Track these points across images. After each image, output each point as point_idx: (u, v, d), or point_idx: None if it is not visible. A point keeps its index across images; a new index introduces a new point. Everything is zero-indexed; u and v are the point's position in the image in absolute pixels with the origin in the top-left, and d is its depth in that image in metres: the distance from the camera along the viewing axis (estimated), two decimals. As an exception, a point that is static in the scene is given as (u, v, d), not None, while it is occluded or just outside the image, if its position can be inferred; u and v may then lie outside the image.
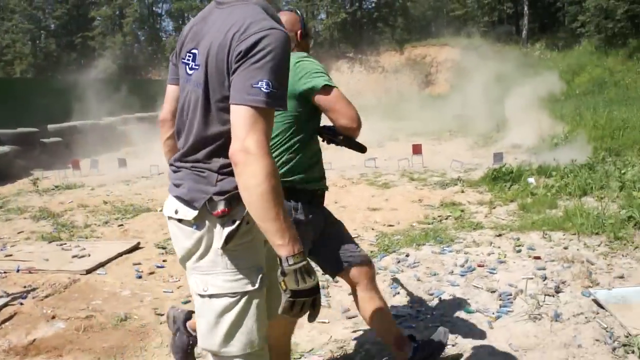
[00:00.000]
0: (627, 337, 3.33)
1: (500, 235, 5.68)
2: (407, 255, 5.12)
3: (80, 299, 4.40)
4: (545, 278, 4.37)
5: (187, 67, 1.94)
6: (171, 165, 2.03)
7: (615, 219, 5.59)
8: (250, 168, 1.64)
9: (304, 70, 2.52)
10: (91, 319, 4.00)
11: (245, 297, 1.88)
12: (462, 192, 8.08)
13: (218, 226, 1.85)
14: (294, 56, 2.50)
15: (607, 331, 3.45)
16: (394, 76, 39.26)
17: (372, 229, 6.27)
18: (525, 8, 37.23)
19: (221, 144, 1.84)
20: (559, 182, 7.64)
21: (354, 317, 3.89)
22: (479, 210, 6.89)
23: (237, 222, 1.84)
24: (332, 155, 12.97)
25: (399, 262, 4.98)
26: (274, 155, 2.30)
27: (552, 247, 5.16)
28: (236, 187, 1.73)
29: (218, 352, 1.92)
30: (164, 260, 5.33)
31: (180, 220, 1.90)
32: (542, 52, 29.00)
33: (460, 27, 37.67)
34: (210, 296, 1.87)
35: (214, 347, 1.92)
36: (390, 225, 6.35)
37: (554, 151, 10.75)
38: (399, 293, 4.29)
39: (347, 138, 2.59)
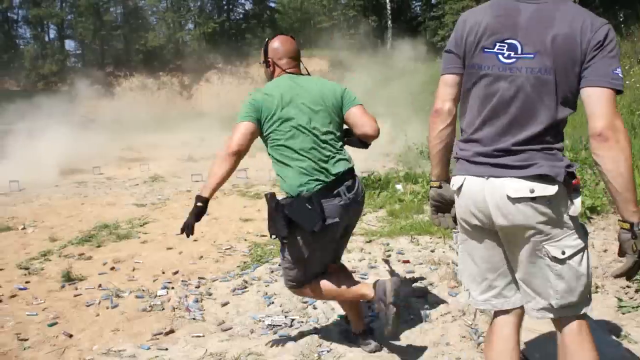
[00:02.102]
0: (490, 332, 3.51)
1: (370, 241, 5.82)
2: (280, 265, 5.11)
3: None
4: (414, 281, 4.51)
5: (499, 55, 2.11)
6: (503, 150, 2.12)
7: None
8: (621, 144, 1.91)
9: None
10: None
11: (586, 249, 2.14)
12: (333, 200, 8.16)
13: (566, 196, 2.07)
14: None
15: (472, 328, 3.62)
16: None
17: (245, 240, 6.23)
18: (389, 22, 38.73)
19: (564, 126, 2.12)
20: (425, 188, 7.93)
21: (229, 329, 3.83)
22: (350, 217, 6.99)
23: (580, 190, 2.12)
24: (203, 168, 12.70)
25: (272, 271, 4.97)
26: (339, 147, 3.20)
27: (420, 251, 5.35)
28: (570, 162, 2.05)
29: (578, 303, 2.15)
30: (27, 282, 4.98)
31: (533, 199, 2.04)
32: (406, 64, 30.11)
33: (328, 38, 38.40)
34: (569, 257, 2.09)
35: (575, 299, 2.13)
36: (263, 236, 6.32)
37: (420, 159, 11.21)
38: (273, 303, 4.27)
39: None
